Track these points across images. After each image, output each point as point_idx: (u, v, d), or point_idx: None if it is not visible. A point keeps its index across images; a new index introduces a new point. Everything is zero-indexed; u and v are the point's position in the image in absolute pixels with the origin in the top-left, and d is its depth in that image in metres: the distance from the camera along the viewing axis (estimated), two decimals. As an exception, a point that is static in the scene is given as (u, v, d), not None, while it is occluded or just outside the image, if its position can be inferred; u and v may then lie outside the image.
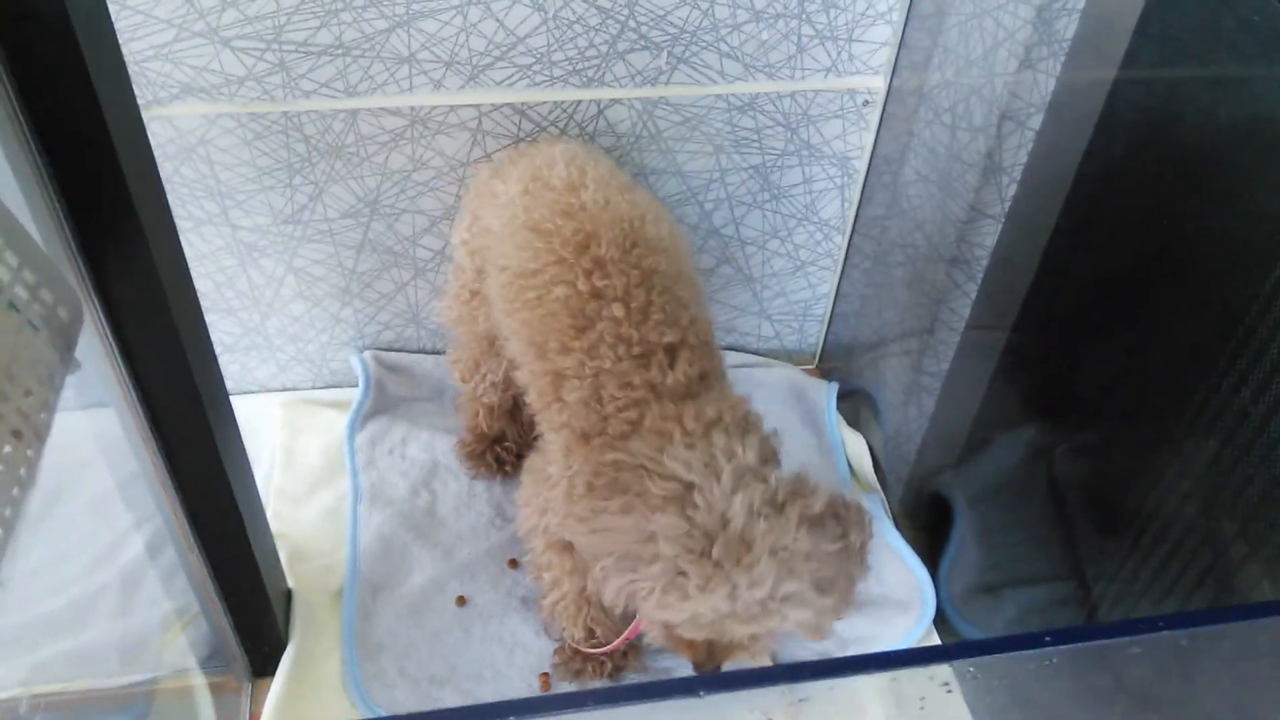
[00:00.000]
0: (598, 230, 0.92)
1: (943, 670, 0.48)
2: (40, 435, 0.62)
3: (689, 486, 0.80)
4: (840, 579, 0.83)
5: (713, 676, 0.82)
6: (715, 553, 0.77)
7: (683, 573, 0.77)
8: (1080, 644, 0.34)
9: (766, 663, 0.98)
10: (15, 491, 0.59)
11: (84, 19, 0.62)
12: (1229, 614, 0.44)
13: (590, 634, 1.08)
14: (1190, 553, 0.96)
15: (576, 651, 1.11)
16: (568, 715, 0.41)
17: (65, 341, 0.68)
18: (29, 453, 0.61)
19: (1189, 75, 0.92)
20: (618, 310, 0.89)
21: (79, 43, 0.62)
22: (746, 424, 0.87)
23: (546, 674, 1.12)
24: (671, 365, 0.89)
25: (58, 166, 0.66)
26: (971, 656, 0.41)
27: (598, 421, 0.88)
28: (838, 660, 0.78)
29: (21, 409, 0.61)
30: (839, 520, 0.84)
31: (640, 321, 0.89)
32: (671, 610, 0.79)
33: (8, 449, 0.59)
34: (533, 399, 0.98)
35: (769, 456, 0.86)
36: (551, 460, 0.95)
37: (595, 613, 1.06)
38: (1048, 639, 0.33)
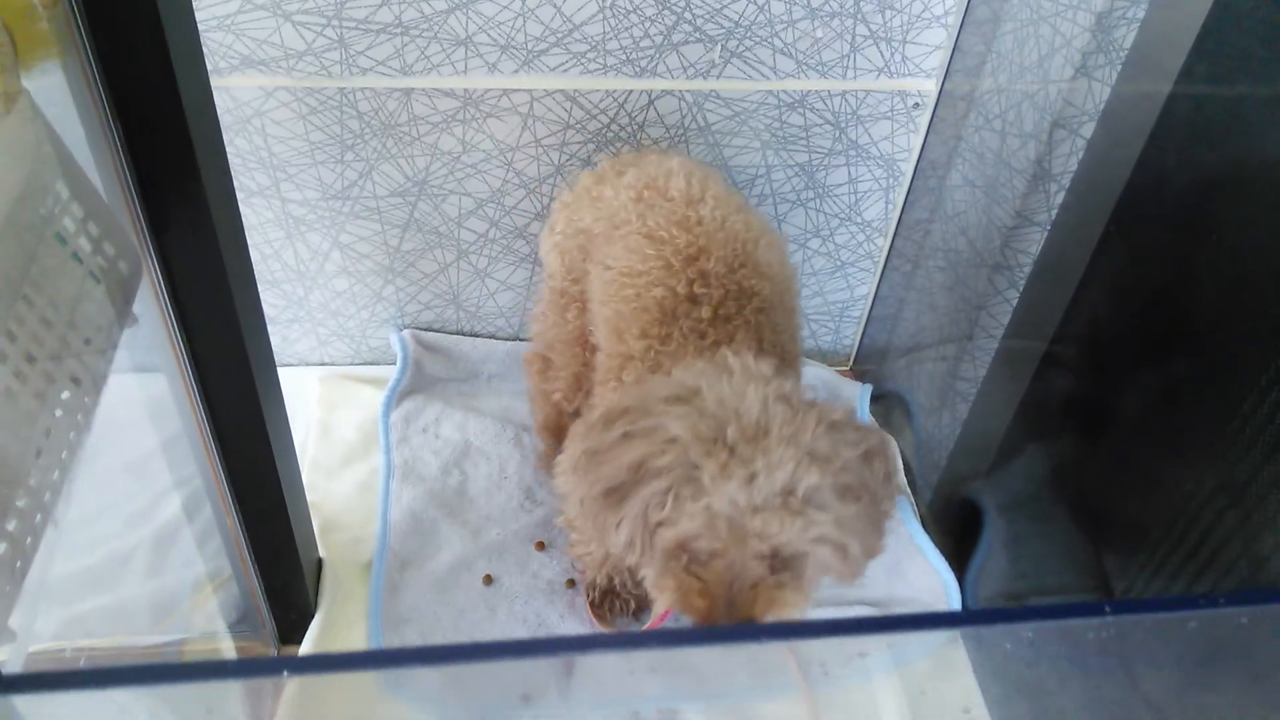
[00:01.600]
0: (710, 246, 0.94)
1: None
2: (97, 384, 0.64)
3: (695, 390, 0.78)
4: (865, 497, 0.78)
5: (725, 628, 0.78)
6: (729, 436, 0.74)
7: (695, 466, 0.74)
8: (1141, 615, 0.33)
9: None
10: (73, 436, 0.60)
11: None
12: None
13: (610, 581, 1.12)
14: (1224, 571, 0.96)
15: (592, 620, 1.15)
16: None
17: (124, 295, 0.70)
18: (86, 399, 0.62)
19: (1248, 91, 0.91)
20: (705, 313, 0.90)
21: (158, 6, 0.63)
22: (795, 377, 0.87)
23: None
24: (728, 342, 0.89)
25: (127, 123, 0.68)
26: (1027, 620, 0.40)
27: None
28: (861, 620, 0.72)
29: (81, 356, 0.62)
30: (859, 433, 0.80)
31: (721, 326, 0.90)
32: (686, 516, 0.75)
33: (66, 395, 0.61)
34: (597, 377, 1.00)
35: (790, 379, 0.84)
36: None
37: (617, 564, 1.09)
38: (1107, 609, 0.33)
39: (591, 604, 1.15)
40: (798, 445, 0.74)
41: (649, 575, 0.82)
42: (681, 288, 0.92)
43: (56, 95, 0.65)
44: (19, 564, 0.51)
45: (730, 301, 0.91)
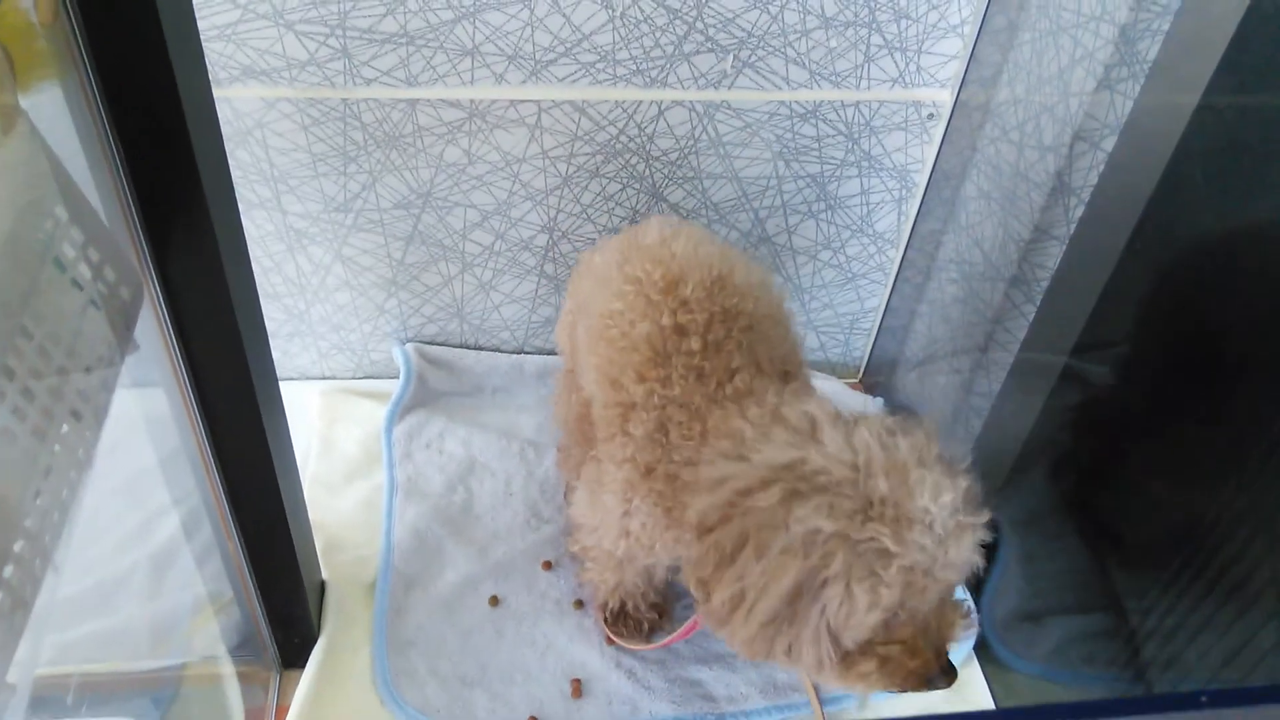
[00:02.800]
0: (685, 273, 0.92)
1: None
2: (99, 417, 0.61)
3: (792, 467, 0.72)
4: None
5: None
6: (880, 489, 0.69)
7: (865, 540, 0.69)
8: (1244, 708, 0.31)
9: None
10: (73, 474, 0.58)
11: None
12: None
13: (622, 605, 1.10)
14: (1251, 597, 0.94)
15: (610, 640, 1.13)
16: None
17: (125, 322, 0.67)
18: (87, 434, 0.59)
19: (1277, 102, 0.89)
20: (694, 343, 0.87)
21: (159, 17, 0.60)
22: (804, 392, 0.85)
23: (578, 679, 1.11)
24: (730, 379, 0.87)
25: (129, 147, 0.65)
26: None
27: (662, 454, 0.87)
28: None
29: (81, 389, 0.59)
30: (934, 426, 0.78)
31: (714, 355, 0.87)
32: (884, 588, 0.69)
33: (66, 429, 0.58)
34: (599, 432, 0.96)
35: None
36: (609, 488, 0.94)
37: (629, 589, 1.08)
38: (1204, 698, 0.30)
39: (607, 623, 1.12)
40: (929, 462, 0.72)
41: (831, 673, 0.76)
42: (666, 319, 0.89)
43: (55, 116, 0.62)
44: (18, 615, 0.49)
45: (717, 325, 0.88)
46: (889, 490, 0.69)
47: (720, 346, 0.88)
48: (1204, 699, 0.31)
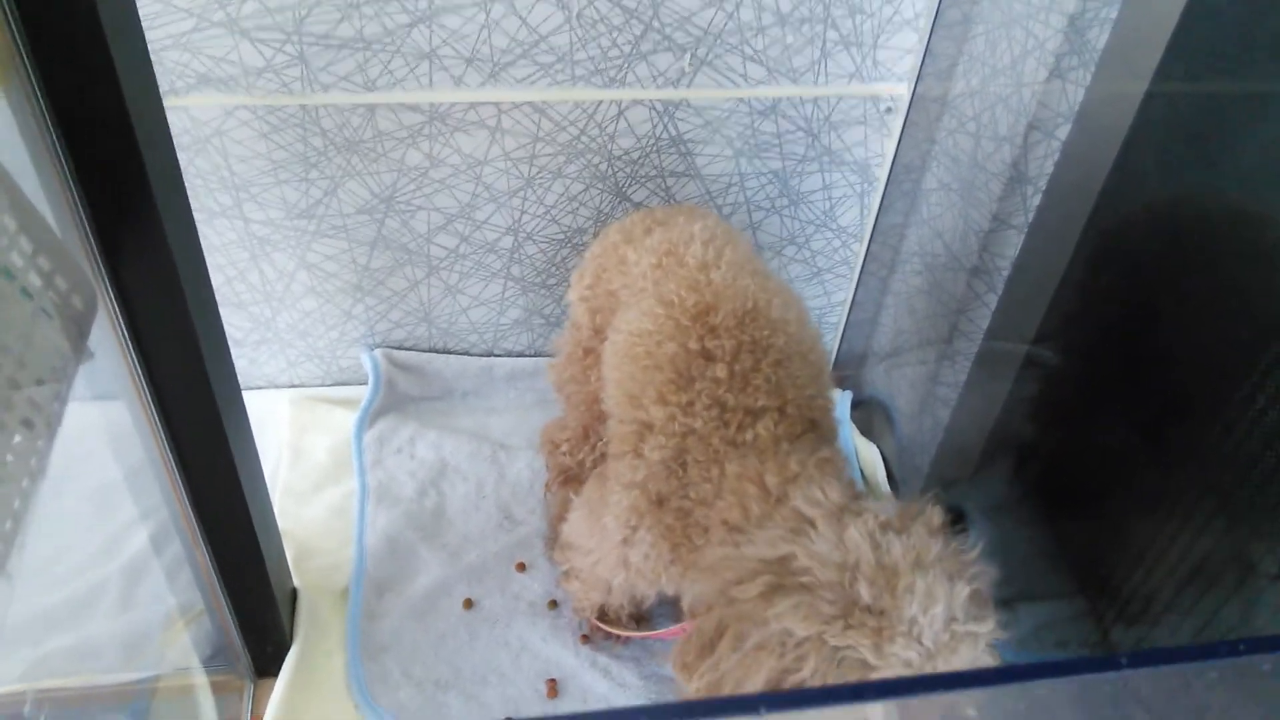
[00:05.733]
0: (719, 302, 0.91)
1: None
2: (51, 426, 0.61)
3: (784, 562, 0.70)
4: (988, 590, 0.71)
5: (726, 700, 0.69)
6: (865, 597, 0.66)
7: (843, 648, 0.66)
8: (1160, 667, 0.32)
9: None
10: (25, 483, 0.57)
11: (110, 4, 0.61)
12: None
13: (602, 613, 1.11)
14: (1213, 575, 0.95)
15: (596, 627, 1.13)
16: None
17: (78, 330, 0.67)
18: (40, 443, 0.59)
19: (1224, 89, 0.90)
20: (720, 371, 0.86)
21: (103, 26, 0.60)
22: (826, 468, 0.81)
23: (553, 679, 1.11)
24: (753, 424, 0.84)
25: (77, 153, 0.65)
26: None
27: (677, 487, 0.85)
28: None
29: (33, 399, 0.59)
30: (956, 533, 0.74)
31: (740, 389, 0.85)
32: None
33: (19, 439, 0.58)
34: (611, 448, 0.95)
35: (859, 492, 0.78)
36: (612, 510, 0.92)
37: (612, 605, 1.07)
38: (1124, 661, 0.31)
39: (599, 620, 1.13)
40: (927, 564, 0.67)
41: None
42: (693, 343, 0.88)
43: (1, 126, 0.62)
44: (-31, 623, 0.48)
45: (745, 355, 0.86)
46: (873, 598, 0.66)
47: (747, 379, 0.86)
48: (1124, 661, 0.31)
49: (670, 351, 0.88)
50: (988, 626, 0.67)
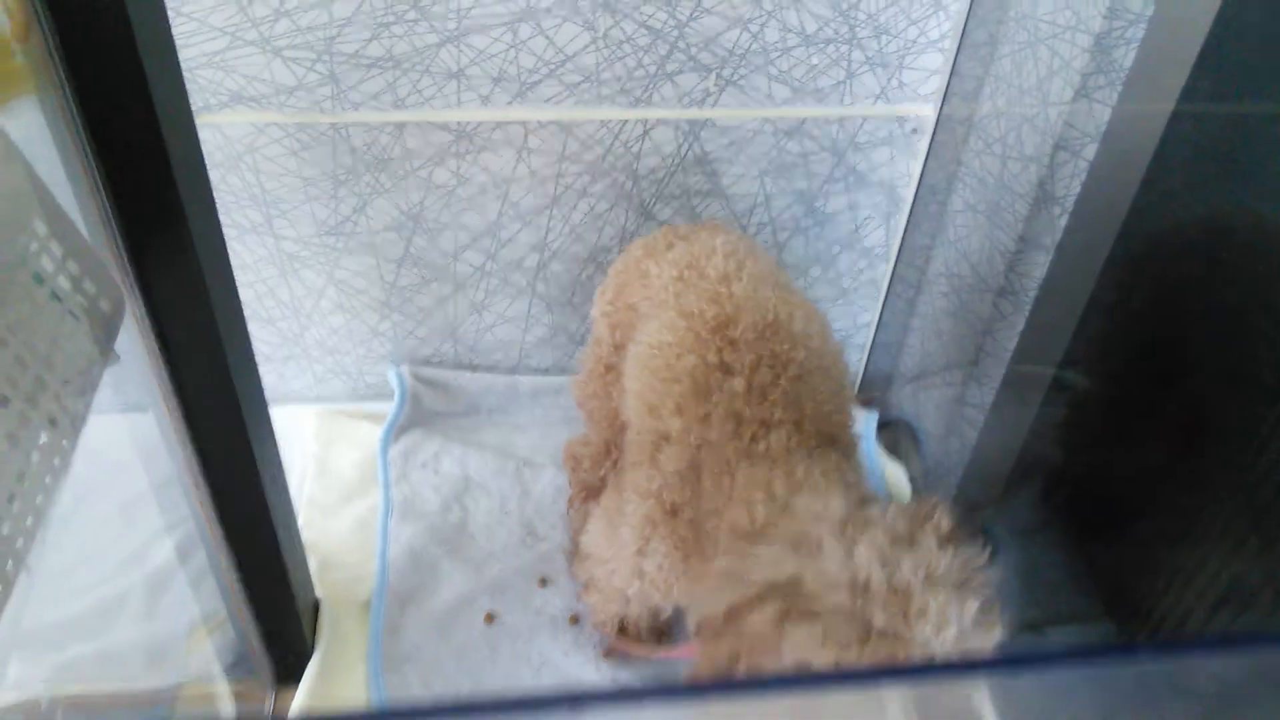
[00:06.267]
0: (738, 315, 0.91)
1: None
2: (76, 425, 0.62)
3: (790, 582, 0.69)
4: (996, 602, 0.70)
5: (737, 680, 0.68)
6: (876, 622, 0.65)
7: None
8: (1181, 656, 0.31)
9: None
10: (49, 480, 0.59)
11: (143, 22, 0.63)
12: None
13: (621, 626, 1.10)
14: (1245, 600, 0.93)
15: (614, 647, 1.13)
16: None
17: (105, 334, 0.68)
18: (64, 442, 0.60)
19: (1252, 108, 0.90)
20: (738, 385, 0.85)
21: (137, 45, 0.62)
22: (832, 476, 0.80)
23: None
24: (767, 435, 0.83)
25: (107, 161, 0.67)
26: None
27: (691, 497, 0.85)
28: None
29: (59, 398, 0.60)
30: (966, 534, 0.72)
31: (758, 402, 0.85)
32: None
33: (44, 438, 0.59)
34: (627, 457, 0.95)
35: (869, 498, 0.76)
36: (627, 520, 0.92)
37: (631, 618, 1.07)
38: (1142, 652, 0.30)
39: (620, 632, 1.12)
40: (937, 580, 0.65)
41: None
42: (712, 355, 0.88)
43: (34, 131, 0.64)
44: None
45: (764, 369, 0.86)
46: (887, 622, 0.65)
47: (765, 394, 0.86)
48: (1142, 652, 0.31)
49: (689, 364, 0.88)
50: (995, 638, 0.66)
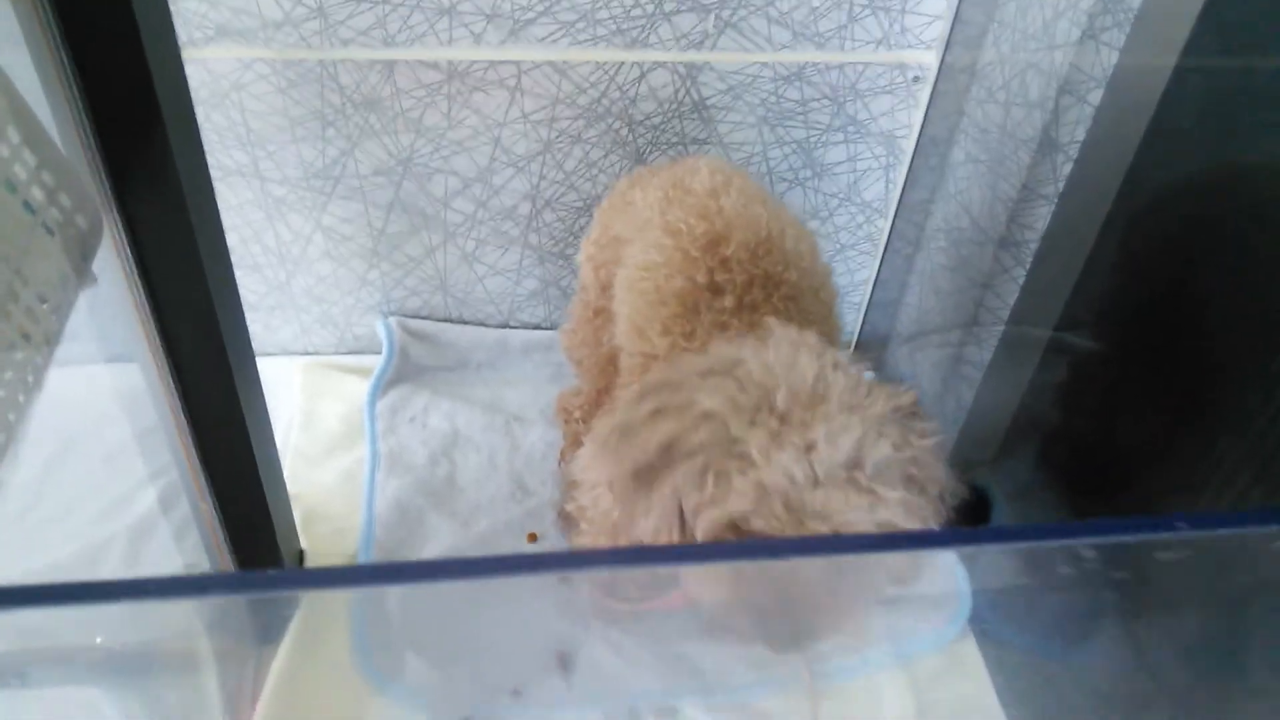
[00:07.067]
0: (730, 232, 0.87)
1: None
2: (50, 341, 0.59)
3: (736, 361, 0.69)
4: (936, 498, 0.68)
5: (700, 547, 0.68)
6: (779, 402, 0.65)
7: (737, 440, 0.65)
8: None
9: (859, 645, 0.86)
10: (21, 397, 0.56)
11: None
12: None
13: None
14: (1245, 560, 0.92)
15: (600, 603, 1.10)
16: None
17: (81, 251, 0.65)
18: (36, 358, 0.58)
19: (1262, 53, 0.88)
20: (728, 301, 0.83)
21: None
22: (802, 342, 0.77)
23: (563, 652, 1.09)
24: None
25: (85, 67, 0.64)
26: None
27: None
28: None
29: (31, 310, 0.58)
30: (933, 424, 0.70)
31: (747, 316, 0.82)
32: (734, 494, 0.64)
33: (18, 354, 0.56)
34: (620, 379, 0.93)
35: (836, 362, 0.73)
36: None
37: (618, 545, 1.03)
38: (1180, 524, 0.28)
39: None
40: (864, 414, 0.65)
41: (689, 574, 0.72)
42: (701, 276, 0.85)
43: (6, 36, 0.61)
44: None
45: (756, 289, 0.84)
46: (788, 408, 0.65)
47: (755, 309, 0.83)
48: (1180, 524, 0.29)
49: (677, 287, 0.86)
50: (894, 495, 0.64)
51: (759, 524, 0.64)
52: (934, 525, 0.68)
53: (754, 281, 0.84)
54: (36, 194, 0.60)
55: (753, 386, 0.66)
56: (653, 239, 0.91)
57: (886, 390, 0.69)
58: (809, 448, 0.63)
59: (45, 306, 0.59)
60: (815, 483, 0.63)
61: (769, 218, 0.89)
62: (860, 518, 0.63)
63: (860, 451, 0.64)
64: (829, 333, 0.88)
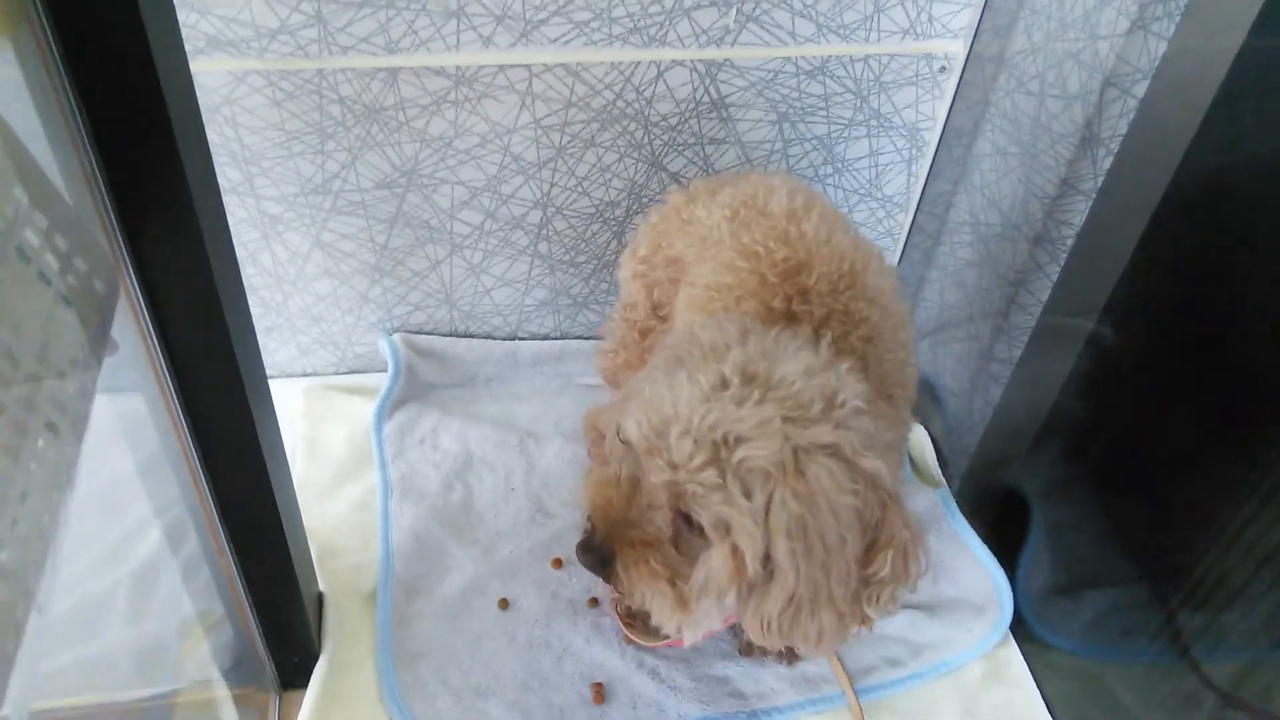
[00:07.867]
0: (811, 261, 0.83)
1: None
2: (78, 429, 0.53)
3: (722, 346, 0.72)
4: (839, 536, 0.68)
5: None
6: (731, 363, 0.69)
7: (654, 369, 0.72)
8: None
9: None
10: (53, 496, 0.49)
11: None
12: None
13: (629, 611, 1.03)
14: (1275, 553, 0.90)
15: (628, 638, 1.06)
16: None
17: (101, 319, 0.58)
18: (66, 450, 0.51)
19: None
20: (804, 334, 0.77)
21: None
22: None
23: (599, 683, 1.04)
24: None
25: (96, 119, 0.57)
26: None
27: None
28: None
29: (56, 398, 0.51)
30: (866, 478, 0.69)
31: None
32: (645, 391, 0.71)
33: (42, 444, 0.50)
34: None
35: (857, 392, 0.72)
36: None
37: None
38: None
39: (624, 620, 1.05)
40: (779, 397, 0.66)
41: None
42: (779, 303, 0.80)
43: (8, 83, 0.54)
44: (1, 670, 0.41)
45: (834, 323, 0.79)
46: (734, 370, 0.68)
47: (833, 344, 0.78)
48: None
49: (751, 310, 0.81)
50: (750, 480, 0.66)
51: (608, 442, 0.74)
52: (825, 593, 0.70)
53: (832, 316, 0.79)
54: (51, 261, 0.53)
55: (697, 348, 0.72)
56: (725, 259, 0.86)
57: (866, 419, 0.70)
58: (673, 405, 0.68)
59: (70, 388, 0.52)
60: (674, 420, 0.67)
61: (851, 248, 0.85)
62: (703, 487, 0.66)
63: (739, 423, 0.66)
64: (903, 380, 0.84)
